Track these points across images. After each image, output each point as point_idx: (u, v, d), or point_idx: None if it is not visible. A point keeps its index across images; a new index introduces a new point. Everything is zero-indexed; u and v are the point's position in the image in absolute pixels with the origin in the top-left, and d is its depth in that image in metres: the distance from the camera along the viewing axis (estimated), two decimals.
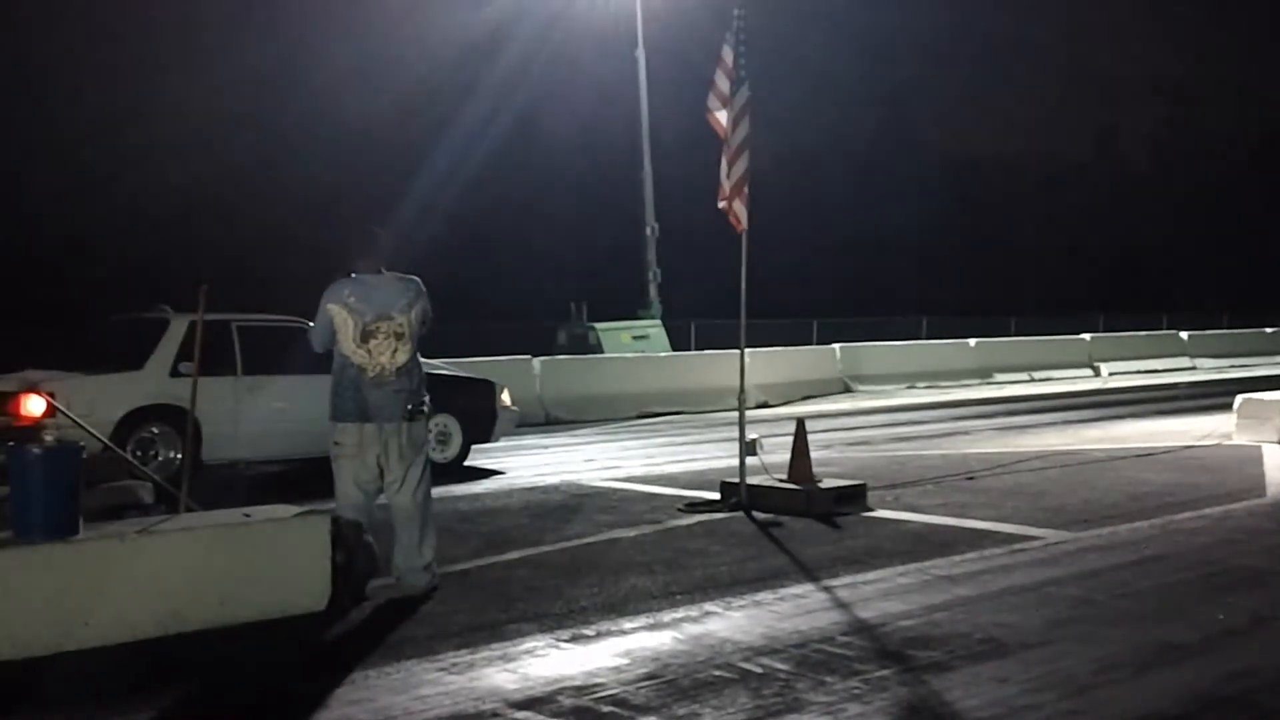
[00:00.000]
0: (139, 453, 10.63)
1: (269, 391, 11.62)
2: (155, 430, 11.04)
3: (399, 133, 39.59)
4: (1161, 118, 66.01)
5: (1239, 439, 14.02)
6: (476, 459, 13.12)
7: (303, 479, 11.03)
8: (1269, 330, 35.29)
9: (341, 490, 7.14)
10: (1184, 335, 32.92)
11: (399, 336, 7.14)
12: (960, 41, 58.07)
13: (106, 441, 8.73)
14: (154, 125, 35.77)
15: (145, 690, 5.38)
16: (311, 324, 7.39)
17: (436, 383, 12.80)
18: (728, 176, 9.96)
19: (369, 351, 7.08)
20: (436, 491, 10.99)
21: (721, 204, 10.03)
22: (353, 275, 7.20)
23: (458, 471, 12.34)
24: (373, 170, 38.27)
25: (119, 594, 5.93)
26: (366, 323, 7.08)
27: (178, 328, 11.21)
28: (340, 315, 7.10)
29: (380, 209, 36.64)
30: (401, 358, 7.15)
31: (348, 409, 7.08)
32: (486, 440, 13.27)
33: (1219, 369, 30.62)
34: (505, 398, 13.36)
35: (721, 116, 10.01)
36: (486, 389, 13.27)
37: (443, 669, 5.56)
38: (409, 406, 7.16)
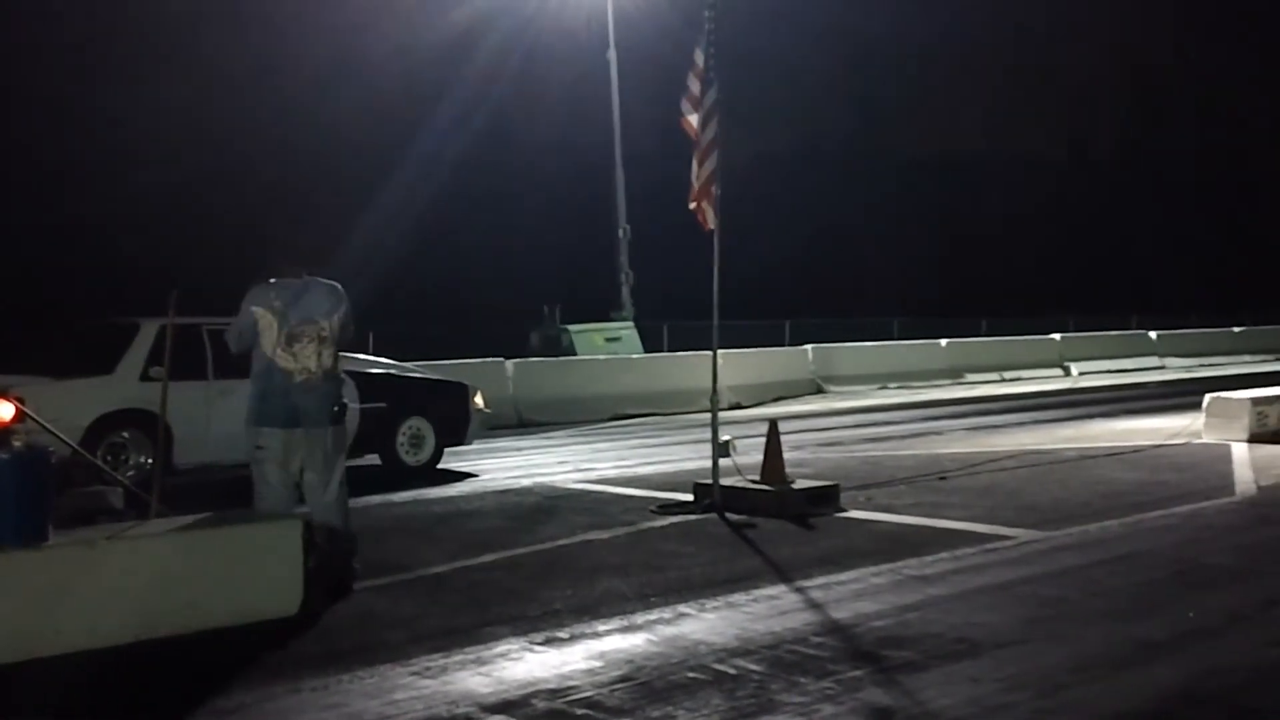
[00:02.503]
0: (110, 458, 10.56)
1: (240, 395, 11.51)
2: (126, 435, 10.97)
3: (371, 134, 39.48)
4: (1132, 118, 66.44)
5: (1208, 437, 14.12)
6: (450, 461, 13.10)
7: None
8: (1237, 330, 35.56)
9: (264, 494, 7.12)
10: (1153, 335, 33.13)
11: (322, 340, 7.14)
12: (932, 42, 58.29)
13: (76, 446, 8.67)
14: (126, 126, 35.54)
15: (117, 698, 5.34)
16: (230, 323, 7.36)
17: (410, 386, 12.95)
18: (696, 177, 9.99)
19: (294, 355, 7.05)
20: (409, 495, 11.08)
21: (692, 204, 10.06)
22: (274, 280, 7.18)
23: (431, 474, 12.32)
24: (346, 171, 38.13)
25: (89, 601, 5.89)
26: (292, 326, 7.06)
27: (148, 332, 11.14)
28: (265, 319, 7.07)
29: (353, 210, 36.55)
30: (327, 361, 7.16)
31: (275, 414, 7.06)
32: (460, 443, 13.24)
33: (1188, 368, 30.83)
34: (478, 400, 13.34)
35: (694, 120, 10.04)
36: (459, 391, 13.25)
37: (416, 673, 5.54)
38: (334, 409, 7.16)
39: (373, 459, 12.62)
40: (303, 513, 7.00)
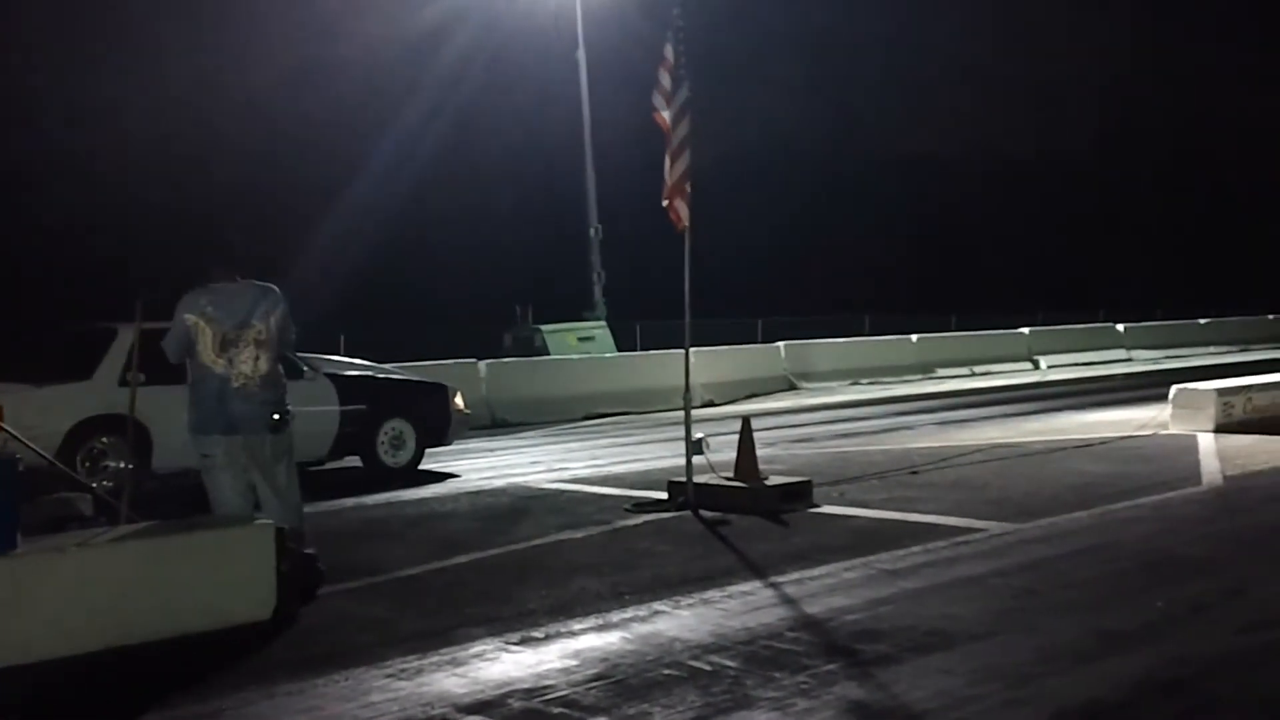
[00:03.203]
0: (88, 464, 10.53)
1: None
2: (105, 440, 10.92)
3: (339, 134, 39.33)
4: (1099, 115, 66.85)
5: (1175, 429, 14.24)
6: (426, 463, 13.08)
7: None
8: (1202, 322, 35.84)
9: (220, 500, 7.07)
10: (1120, 328, 33.36)
11: (260, 344, 7.06)
12: (903, 41, 58.51)
13: (40, 451, 8.61)
14: (87, 127, 35.29)
15: (90, 705, 5.33)
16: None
17: (390, 387, 12.97)
18: (669, 175, 10.01)
19: (230, 361, 6.99)
20: (382, 497, 11.06)
21: (665, 202, 10.09)
22: (208, 285, 7.11)
23: (403, 476, 12.30)
24: (314, 172, 37.98)
25: (60, 608, 5.85)
26: (226, 331, 6.99)
27: (125, 337, 11.09)
28: (198, 325, 6.99)
29: (322, 211, 36.41)
30: (264, 366, 7.08)
31: (212, 421, 7.00)
32: (441, 444, 13.30)
33: (1154, 360, 31.06)
34: (459, 401, 13.40)
35: (666, 115, 10.05)
36: (440, 393, 13.30)
37: (391, 675, 5.55)
38: (274, 417, 7.09)
39: (354, 461, 12.66)
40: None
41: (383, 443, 12.57)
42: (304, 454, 12.01)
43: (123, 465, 10.81)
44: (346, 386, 12.30)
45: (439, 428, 13.11)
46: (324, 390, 12.09)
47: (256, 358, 7.04)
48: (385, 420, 12.56)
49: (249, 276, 7.24)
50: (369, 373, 13.16)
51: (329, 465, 12.65)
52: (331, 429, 12.11)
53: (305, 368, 11.99)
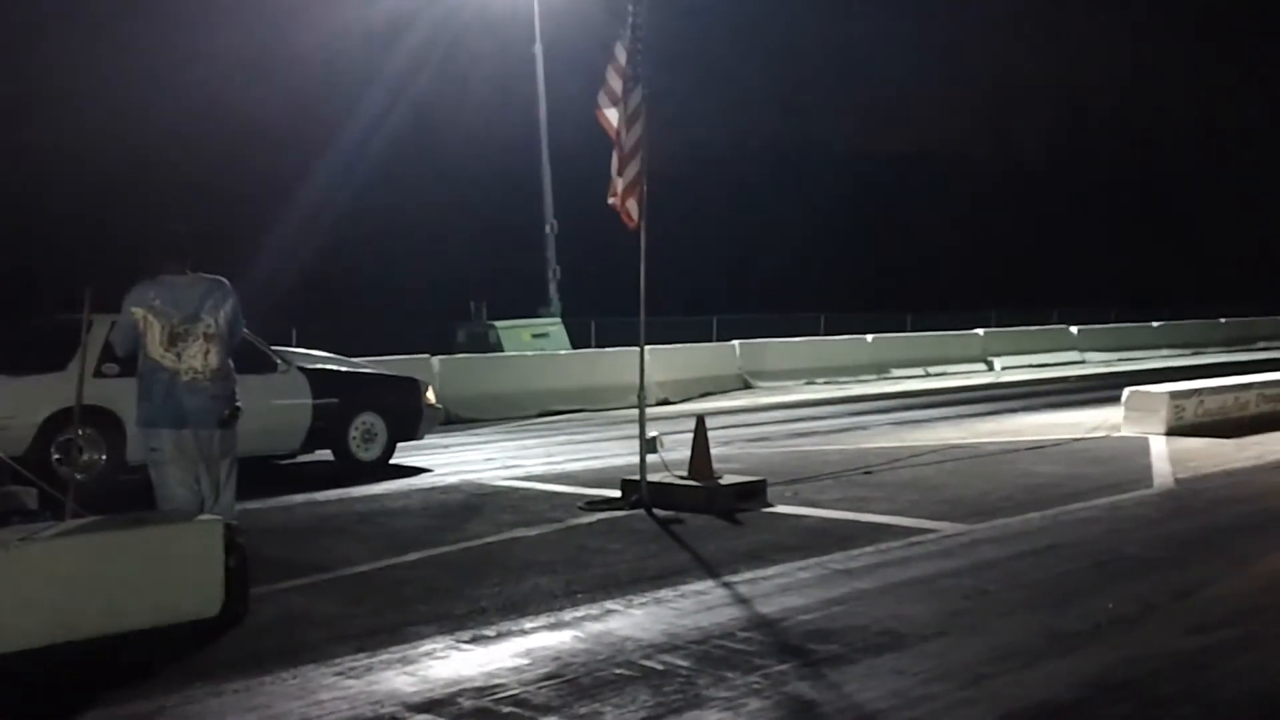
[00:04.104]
0: (62, 455, 10.41)
1: None
2: (80, 432, 10.79)
3: (292, 128, 39.03)
4: (1056, 118, 67.48)
5: (1127, 431, 14.36)
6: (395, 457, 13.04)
7: None
8: (1155, 324, 36.19)
9: (166, 495, 7.00)
10: (1074, 329, 33.62)
11: (209, 338, 6.99)
12: (858, 41, 58.80)
13: None
14: (36, 122, 34.84)
15: (34, 702, 5.24)
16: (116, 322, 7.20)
17: (362, 381, 12.96)
18: (620, 175, 9.97)
19: (178, 355, 6.91)
20: (335, 493, 10.98)
21: (611, 200, 10.05)
22: (157, 277, 7.02)
23: (354, 474, 12.16)
24: (267, 166, 37.67)
25: (3, 604, 5.75)
26: (174, 325, 6.91)
27: (100, 329, 10.95)
28: (145, 318, 6.92)
29: (275, 206, 36.12)
30: (214, 360, 7.00)
31: (161, 415, 6.92)
32: (413, 438, 13.35)
33: (1107, 362, 31.32)
34: (430, 395, 13.44)
35: (611, 115, 10.01)
36: (411, 387, 13.35)
37: (340, 673, 5.49)
38: (225, 413, 7.02)
39: (325, 454, 12.64)
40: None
41: (354, 436, 12.56)
42: (276, 447, 12.16)
43: (100, 457, 10.73)
44: (319, 380, 12.32)
45: (411, 422, 13.15)
46: (297, 384, 12.10)
47: (206, 352, 6.96)
48: (357, 414, 12.57)
49: (199, 270, 7.16)
50: (341, 367, 13.15)
51: (303, 458, 12.69)
52: (304, 422, 12.12)
53: (279, 361, 12.05)
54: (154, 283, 7.00)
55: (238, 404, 7.17)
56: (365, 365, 13.99)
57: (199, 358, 6.94)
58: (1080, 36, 65.15)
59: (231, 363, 7.24)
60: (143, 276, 7.06)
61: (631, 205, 9.96)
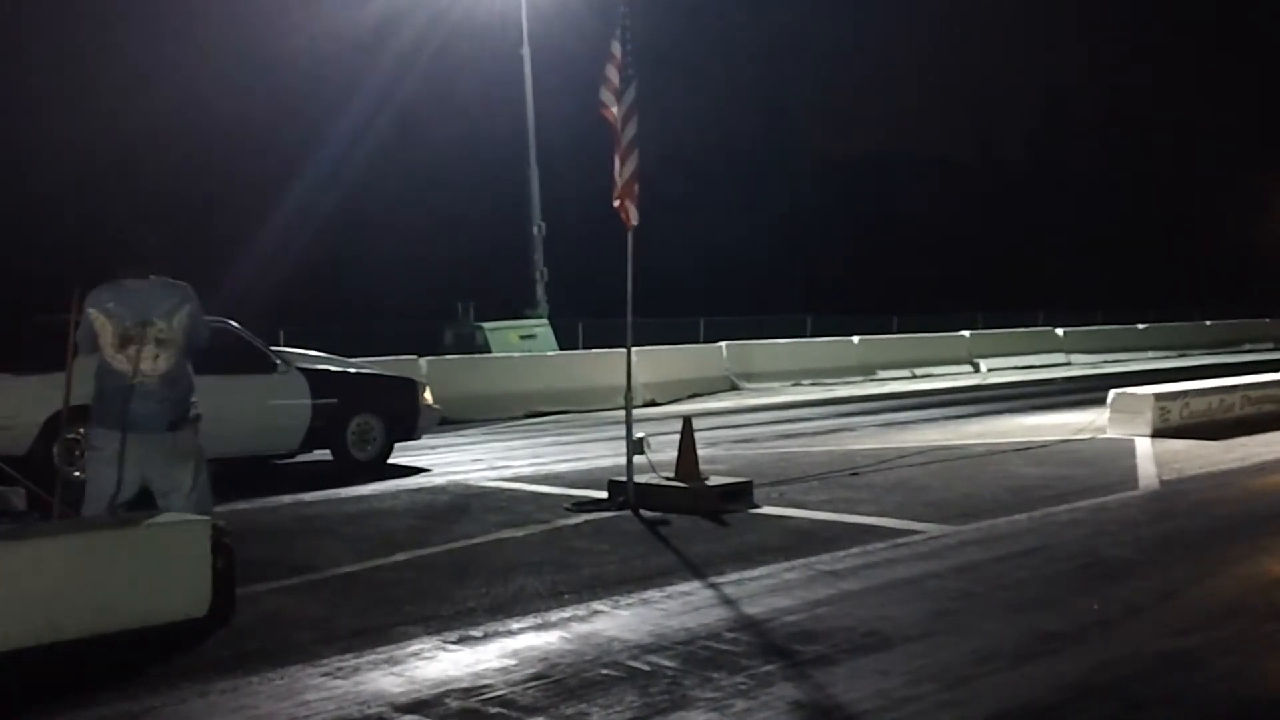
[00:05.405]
0: (64, 454, 10.39)
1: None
2: (82, 432, 10.76)
3: (279, 131, 38.95)
4: (1040, 119, 67.68)
5: (1112, 432, 14.42)
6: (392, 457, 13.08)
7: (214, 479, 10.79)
8: (1141, 326, 36.31)
9: (94, 493, 6.90)
10: (1060, 331, 33.72)
11: (160, 343, 6.90)
12: (844, 43, 58.90)
13: None
14: (15, 123, 34.72)
15: (20, 702, 5.23)
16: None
17: (360, 382, 13.01)
18: (619, 174, 10.01)
19: (128, 358, 6.85)
20: (322, 494, 10.96)
21: (616, 201, 10.10)
22: (118, 280, 6.97)
23: (339, 475, 12.14)
24: (254, 168, 37.60)
25: None
26: (126, 328, 6.84)
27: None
28: (99, 320, 6.86)
29: (262, 208, 36.04)
30: (164, 364, 6.91)
31: (109, 415, 6.86)
32: (410, 438, 13.43)
33: (1093, 364, 31.42)
34: (427, 396, 13.52)
35: (615, 110, 10.04)
36: (409, 387, 13.45)
37: (327, 674, 5.49)
38: (172, 418, 6.95)
39: (324, 454, 12.70)
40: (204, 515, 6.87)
41: (352, 437, 12.62)
42: (276, 447, 12.30)
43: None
44: (318, 380, 12.40)
45: (408, 422, 13.23)
46: (296, 384, 12.19)
47: (156, 356, 6.87)
48: (355, 414, 12.63)
49: (163, 274, 7.11)
50: (340, 367, 13.23)
51: (302, 458, 12.75)
52: (303, 422, 12.20)
53: (278, 361, 12.17)
54: (112, 285, 6.94)
55: (193, 408, 7.07)
56: (364, 366, 14.04)
57: (149, 361, 6.86)
58: (1063, 38, 65.39)
59: (190, 367, 7.15)
60: (103, 279, 7.02)
61: (629, 205, 10.01)
